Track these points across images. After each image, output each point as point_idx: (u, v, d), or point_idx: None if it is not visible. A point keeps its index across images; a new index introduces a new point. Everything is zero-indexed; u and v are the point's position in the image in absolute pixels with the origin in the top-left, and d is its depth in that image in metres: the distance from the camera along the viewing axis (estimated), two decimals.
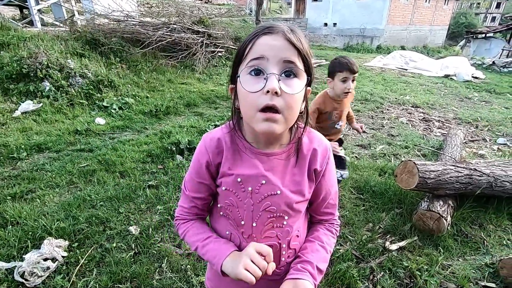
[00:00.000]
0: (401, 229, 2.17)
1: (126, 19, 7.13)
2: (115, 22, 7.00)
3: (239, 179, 0.73)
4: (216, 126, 3.93)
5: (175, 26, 7.34)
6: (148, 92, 5.39)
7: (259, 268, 0.66)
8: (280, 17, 22.13)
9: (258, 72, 0.63)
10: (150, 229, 2.08)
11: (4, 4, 7.59)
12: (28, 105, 4.10)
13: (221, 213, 0.80)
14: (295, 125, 0.74)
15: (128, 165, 2.96)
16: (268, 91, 0.60)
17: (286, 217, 0.76)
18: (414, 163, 2.15)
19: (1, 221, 2.09)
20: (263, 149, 0.73)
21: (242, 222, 0.76)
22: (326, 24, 19.44)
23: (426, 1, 19.56)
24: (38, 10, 7.05)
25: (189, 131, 3.83)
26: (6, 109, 4.02)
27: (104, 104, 4.58)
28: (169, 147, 3.26)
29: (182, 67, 6.93)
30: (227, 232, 0.80)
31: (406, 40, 19.14)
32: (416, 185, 2.11)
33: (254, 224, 0.75)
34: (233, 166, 0.74)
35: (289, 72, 0.63)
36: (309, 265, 0.75)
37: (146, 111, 4.58)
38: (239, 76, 0.66)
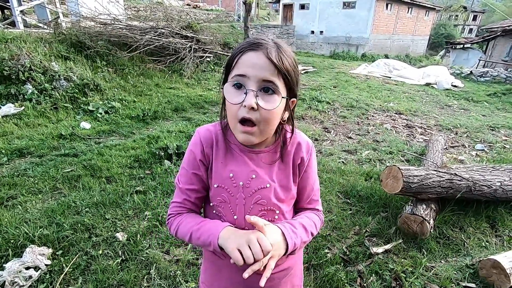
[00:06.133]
0: (387, 232, 2.23)
1: (113, 22, 7.04)
2: (101, 25, 6.90)
3: (231, 174, 0.77)
4: None
5: (163, 30, 7.31)
6: (135, 96, 5.32)
7: (253, 257, 0.62)
8: (268, 23, 22.40)
9: (239, 86, 0.69)
10: (138, 236, 2.05)
11: None
12: (9, 108, 3.97)
13: (214, 211, 0.83)
14: (280, 127, 0.79)
15: (114, 170, 2.91)
16: (245, 106, 0.67)
17: (277, 211, 0.81)
18: (399, 168, 2.22)
19: None
20: (250, 147, 0.78)
21: (235, 217, 0.79)
22: (313, 32, 19.84)
23: (408, 12, 20.34)
24: (21, 11, 6.86)
25: (177, 136, 3.80)
26: None
27: (90, 108, 4.49)
28: (157, 152, 3.23)
29: (170, 72, 6.89)
30: None
31: (390, 49, 19.79)
32: (401, 190, 2.18)
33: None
34: (225, 162, 0.79)
35: (267, 89, 0.68)
36: (282, 223, 0.77)
37: (133, 115, 4.52)
38: (224, 87, 0.72)
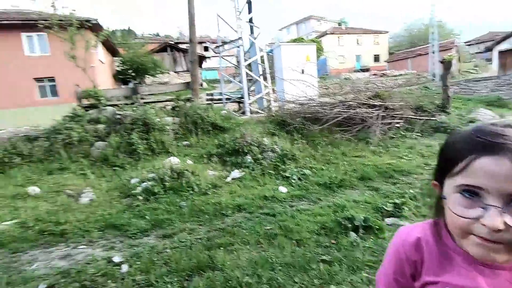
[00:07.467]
0: None
1: (308, 102, 8.37)
2: (299, 105, 8.37)
3: None
4: (395, 204, 3.55)
5: (351, 103, 7.83)
6: (323, 165, 5.76)
7: None
8: (476, 77, 18.67)
9: (473, 194, 0.54)
10: None
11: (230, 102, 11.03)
12: (235, 173, 5.41)
13: None
14: None
15: (303, 234, 3.14)
16: (485, 225, 0.52)
17: None
18: None
19: (212, 265, 2.69)
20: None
21: None
22: None
23: None
24: (249, 104, 9.69)
25: (364, 207, 3.66)
26: (222, 176, 5.47)
27: (287, 174, 5.28)
28: (342, 222, 3.22)
29: (356, 140, 7.04)
30: None
31: None
32: None
33: None
34: (439, 272, 0.65)
35: None
36: None
37: (321, 182, 4.86)
38: (444, 197, 0.60)
